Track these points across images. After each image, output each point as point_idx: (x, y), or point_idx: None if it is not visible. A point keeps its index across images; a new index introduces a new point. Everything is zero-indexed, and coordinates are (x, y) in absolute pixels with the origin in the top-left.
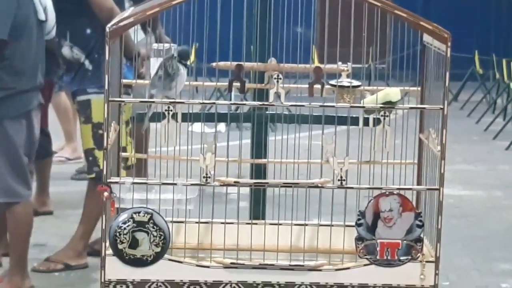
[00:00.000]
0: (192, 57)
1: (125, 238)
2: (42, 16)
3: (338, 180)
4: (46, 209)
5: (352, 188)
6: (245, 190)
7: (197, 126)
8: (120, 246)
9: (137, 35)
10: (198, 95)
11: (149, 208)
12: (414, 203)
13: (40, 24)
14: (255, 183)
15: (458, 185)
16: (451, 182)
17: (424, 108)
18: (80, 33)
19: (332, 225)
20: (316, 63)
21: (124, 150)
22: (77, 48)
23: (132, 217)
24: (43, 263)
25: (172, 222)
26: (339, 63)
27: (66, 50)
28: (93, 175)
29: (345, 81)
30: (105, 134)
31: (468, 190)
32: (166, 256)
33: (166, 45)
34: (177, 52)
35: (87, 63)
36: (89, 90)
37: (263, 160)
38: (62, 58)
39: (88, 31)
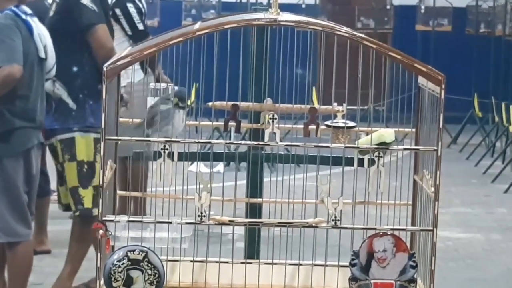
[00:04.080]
0: (192, 97)
1: (120, 276)
2: (42, 54)
3: (333, 220)
4: (44, 248)
5: (346, 228)
6: (241, 231)
7: (194, 167)
8: (114, 284)
9: (134, 75)
10: (197, 135)
11: (144, 246)
12: (408, 244)
13: (40, 62)
14: (249, 222)
15: (456, 228)
16: (449, 224)
17: (418, 149)
18: (66, 69)
19: (326, 265)
20: (316, 104)
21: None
22: (59, 83)
23: (126, 255)
24: None
25: (167, 260)
26: (335, 104)
27: (47, 84)
28: (77, 213)
29: (340, 122)
30: (101, 172)
31: (466, 233)
32: None
33: (163, 85)
34: (173, 93)
35: (70, 101)
36: (74, 128)
37: (258, 200)
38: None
39: (75, 68)
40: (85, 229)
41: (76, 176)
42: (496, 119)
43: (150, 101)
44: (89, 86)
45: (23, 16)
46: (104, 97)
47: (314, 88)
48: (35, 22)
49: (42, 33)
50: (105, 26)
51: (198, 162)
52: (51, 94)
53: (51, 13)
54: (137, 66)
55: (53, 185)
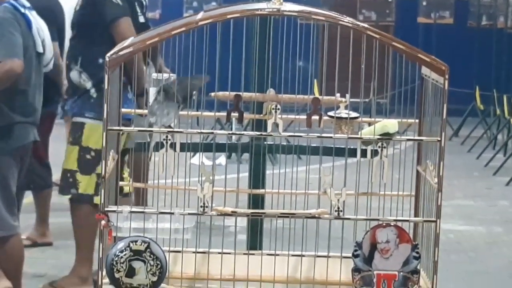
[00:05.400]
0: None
1: (122, 267)
2: (40, 49)
3: (336, 211)
4: (46, 240)
5: (349, 219)
6: (243, 223)
7: (196, 159)
8: (117, 275)
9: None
10: (199, 127)
11: (146, 237)
12: (411, 235)
13: (38, 56)
14: (252, 213)
15: (459, 220)
16: (452, 217)
17: (421, 140)
18: (92, 61)
19: (329, 256)
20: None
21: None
22: (85, 74)
23: (129, 246)
24: (46, 287)
25: (169, 251)
26: (338, 94)
27: (74, 75)
28: (69, 196)
29: (343, 112)
30: (103, 162)
31: (468, 226)
32: (162, 285)
33: (165, 75)
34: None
35: (92, 91)
36: (87, 114)
37: (260, 191)
38: (69, 81)
39: (100, 60)
40: (86, 213)
41: (75, 160)
42: (498, 111)
43: (152, 91)
44: None
45: (22, 10)
46: (106, 87)
47: (316, 81)
48: (33, 16)
49: (40, 27)
50: (128, 19)
51: (200, 154)
52: (77, 85)
53: (77, 7)
54: None
55: (55, 177)
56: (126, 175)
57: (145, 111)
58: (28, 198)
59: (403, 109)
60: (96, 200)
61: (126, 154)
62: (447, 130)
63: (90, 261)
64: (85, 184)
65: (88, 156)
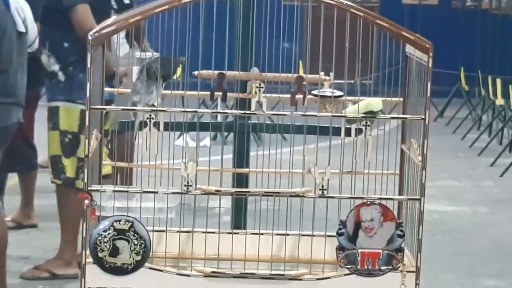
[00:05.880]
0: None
1: (106, 246)
2: (21, 28)
3: (320, 189)
4: (31, 222)
5: (333, 197)
6: (227, 204)
7: (180, 141)
8: (100, 254)
9: (119, 48)
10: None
11: (130, 216)
12: (395, 213)
13: (20, 36)
14: (236, 191)
15: (444, 201)
16: (437, 198)
17: (405, 118)
18: (58, 45)
19: (314, 235)
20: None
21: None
22: (53, 58)
23: (112, 225)
24: (29, 271)
25: (153, 230)
26: (322, 73)
27: (44, 58)
28: (59, 182)
29: (327, 91)
30: (86, 142)
31: (453, 206)
32: (146, 264)
33: (149, 54)
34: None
35: (60, 74)
36: (58, 97)
37: (244, 170)
38: (42, 65)
39: (66, 44)
40: (71, 197)
41: (58, 145)
42: (483, 92)
43: (136, 71)
44: (79, 61)
45: None
46: (89, 65)
47: (301, 62)
48: None
49: (20, 6)
50: (85, 6)
51: (184, 133)
52: (47, 68)
53: None
54: (122, 40)
55: (40, 159)
56: (104, 156)
57: (126, 90)
58: (13, 180)
59: (387, 90)
60: (78, 184)
61: (106, 136)
62: (432, 111)
63: (75, 244)
64: (70, 167)
65: (66, 140)
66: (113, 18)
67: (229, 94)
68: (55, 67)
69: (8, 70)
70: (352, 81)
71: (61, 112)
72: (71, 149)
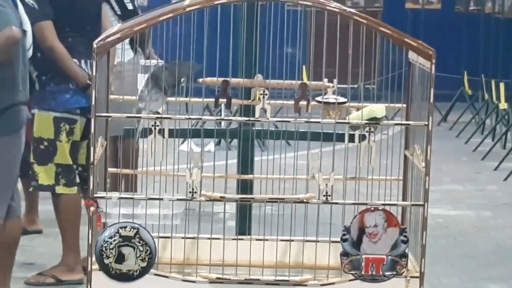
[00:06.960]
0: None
1: (111, 253)
2: (26, 27)
3: (324, 195)
4: (36, 227)
5: (337, 203)
6: (232, 209)
7: (185, 146)
8: (106, 261)
9: (124, 54)
10: (188, 113)
11: (135, 223)
12: (399, 219)
13: (24, 35)
14: (241, 198)
15: (447, 205)
16: (440, 202)
17: (408, 124)
18: (34, 54)
19: (318, 241)
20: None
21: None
22: (32, 67)
23: (118, 232)
24: (34, 276)
25: (158, 237)
26: (325, 80)
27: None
28: (30, 189)
29: (331, 97)
30: (92, 149)
31: (457, 210)
32: (152, 271)
33: (153, 61)
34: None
35: (36, 82)
36: (34, 105)
37: (249, 176)
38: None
39: (38, 54)
40: (63, 203)
41: (31, 152)
42: (486, 96)
43: (141, 78)
44: (50, 71)
45: None
46: (94, 73)
47: (304, 67)
48: None
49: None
50: (46, 23)
51: (189, 140)
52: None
53: None
54: (127, 46)
55: None
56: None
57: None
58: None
59: (391, 95)
60: (58, 189)
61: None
62: (435, 115)
63: (76, 249)
64: (43, 175)
65: (41, 147)
66: (118, 26)
67: (233, 100)
68: (33, 76)
69: (17, 66)
70: (356, 86)
71: (36, 119)
72: (47, 156)
